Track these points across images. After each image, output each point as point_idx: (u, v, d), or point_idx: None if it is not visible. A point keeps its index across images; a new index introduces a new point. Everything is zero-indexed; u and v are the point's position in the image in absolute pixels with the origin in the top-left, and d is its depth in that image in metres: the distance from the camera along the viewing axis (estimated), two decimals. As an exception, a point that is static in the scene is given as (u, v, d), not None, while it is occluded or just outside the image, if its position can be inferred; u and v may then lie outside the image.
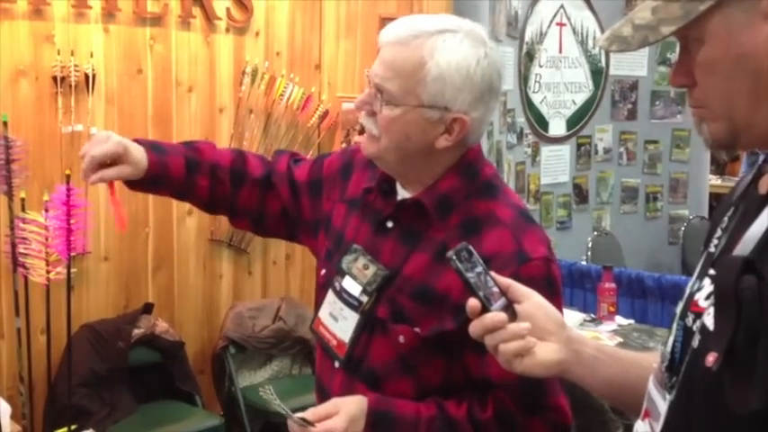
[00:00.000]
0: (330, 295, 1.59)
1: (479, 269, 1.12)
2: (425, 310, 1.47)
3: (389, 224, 1.56)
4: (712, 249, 1.02)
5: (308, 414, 1.45)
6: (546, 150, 4.83)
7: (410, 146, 1.48)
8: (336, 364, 1.57)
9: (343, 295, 1.56)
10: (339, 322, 1.56)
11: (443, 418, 1.46)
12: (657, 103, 5.20)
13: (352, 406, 1.46)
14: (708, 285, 0.96)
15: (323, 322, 1.60)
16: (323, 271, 1.66)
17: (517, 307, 1.12)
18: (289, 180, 1.75)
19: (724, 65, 0.93)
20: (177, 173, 1.68)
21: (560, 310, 1.45)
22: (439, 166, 1.51)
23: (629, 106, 5.16)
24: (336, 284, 1.58)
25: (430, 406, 1.48)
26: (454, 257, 1.12)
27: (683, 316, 1.00)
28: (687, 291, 1.03)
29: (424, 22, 1.45)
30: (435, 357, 1.47)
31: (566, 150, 4.95)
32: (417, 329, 1.47)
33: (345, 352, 1.54)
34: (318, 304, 1.63)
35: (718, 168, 7.70)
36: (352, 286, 1.55)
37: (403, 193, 1.56)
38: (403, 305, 1.49)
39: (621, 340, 3.22)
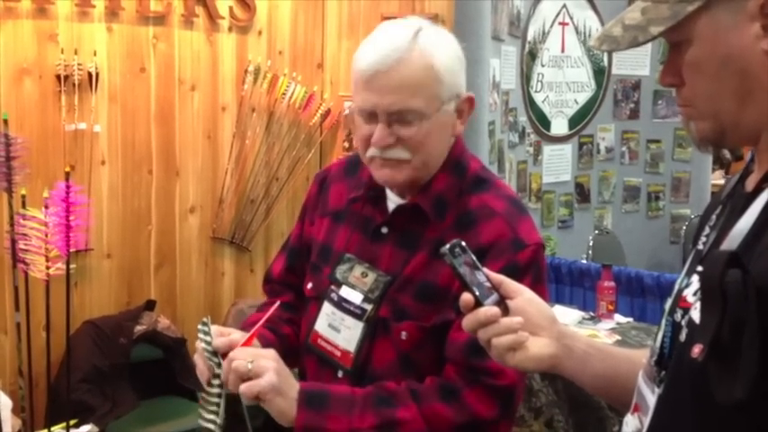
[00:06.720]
0: (327, 307, 1.57)
1: (472, 265, 1.14)
2: (428, 307, 1.48)
3: (384, 230, 1.56)
4: (701, 247, 1.03)
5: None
6: (548, 149, 4.84)
7: (440, 148, 1.51)
8: (340, 374, 1.54)
9: (343, 305, 1.54)
10: (342, 332, 1.54)
11: (380, 391, 1.46)
12: (660, 102, 5.19)
13: (281, 364, 1.45)
14: (696, 282, 0.97)
15: (322, 335, 1.57)
16: (309, 285, 1.64)
17: (509, 302, 1.13)
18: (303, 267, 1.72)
19: (711, 65, 0.94)
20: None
21: (545, 298, 1.49)
22: (441, 162, 1.52)
23: (632, 105, 5.16)
24: (333, 295, 1.56)
25: (367, 388, 1.48)
26: (448, 253, 1.13)
27: (672, 312, 1.01)
28: (676, 287, 1.04)
29: (396, 32, 1.45)
30: (434, 350, 1.47)
31: (568, 149, 4.95)
32: (421, 323, 1.47)
33: (352, 361, 1.52)
34: (311, 318, 1.60)
35: (723, 168, 7.70)
36: (352, 295, 1.54)
37: (394, 198, 1.56)
38: (405, 305, 1.49)
39: (620, 338, 3.22)
